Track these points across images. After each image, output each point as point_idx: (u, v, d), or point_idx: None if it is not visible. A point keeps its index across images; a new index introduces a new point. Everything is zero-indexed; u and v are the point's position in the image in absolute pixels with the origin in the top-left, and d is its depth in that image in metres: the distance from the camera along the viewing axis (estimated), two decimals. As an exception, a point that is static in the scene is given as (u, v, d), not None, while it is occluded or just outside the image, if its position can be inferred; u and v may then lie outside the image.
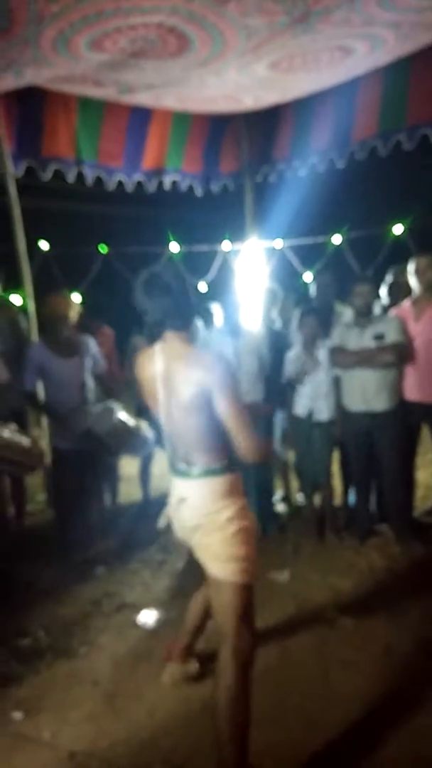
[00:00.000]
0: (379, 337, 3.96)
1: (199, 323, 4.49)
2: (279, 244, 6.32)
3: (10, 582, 3.80)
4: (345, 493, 4.60)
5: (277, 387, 4.36)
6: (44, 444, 4.14)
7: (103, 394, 4.27)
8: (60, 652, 3.12)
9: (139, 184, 5.54)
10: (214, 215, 8.31)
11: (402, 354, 3.96)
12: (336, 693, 2.69)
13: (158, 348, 2.24)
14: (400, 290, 4.38)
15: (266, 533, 4.24)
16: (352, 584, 3.64)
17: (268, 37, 3.61)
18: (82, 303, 4.58)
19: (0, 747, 2.49)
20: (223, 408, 2.07)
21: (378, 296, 4.32)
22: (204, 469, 2.18)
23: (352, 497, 4.47)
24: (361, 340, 4.01)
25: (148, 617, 3.42)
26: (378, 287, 4.34)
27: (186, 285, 2.22)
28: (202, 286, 6.53)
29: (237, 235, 6.35)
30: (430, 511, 4.56)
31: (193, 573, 2.69)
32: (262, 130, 5.85)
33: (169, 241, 6.32)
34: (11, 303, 4.91)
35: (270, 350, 4.38)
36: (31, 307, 4.88)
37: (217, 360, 2.12)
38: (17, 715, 2.67)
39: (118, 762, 2.39)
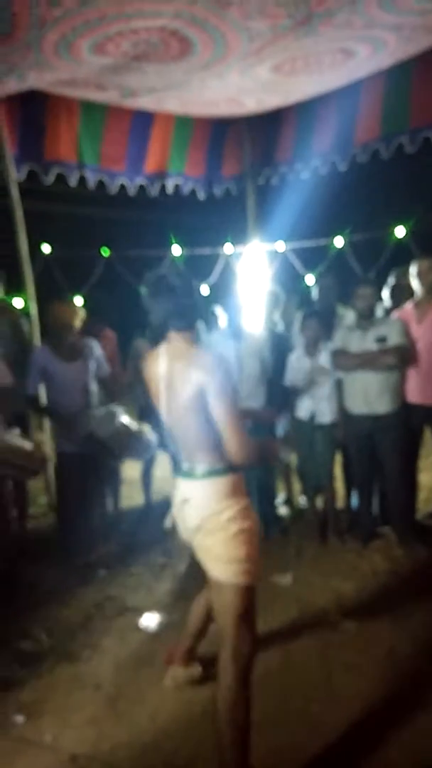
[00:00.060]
0: (381, 339, 3.96)
1: (201, 325, 4.49)
2: (281, 246, 6.32)
3: (13, 585, 3.80)
4: (347, 495, 4.60)
5: (279, 390, 4.36)
6: (47, 448, 4.14)
7: (106, 398, 4.27)
8: (62, 656, 3.12)
9: (141, 187, 5.55)
10: (216, 218, 8.33)
11: (404, 356, 3.96)
12: (339, 696, 2.68)
13: (162, 348, 2.26)
14: (402, 293, 4.38)
15: (268, 536, 4.24)
16: (355, 587, 3.63)
17: (270, 39, 3.62)
18: (84, 306, 4.59)
19: (2, 750, 2.49)
20: (216, 409, 2.08)
21: (380, 299, 4.32)
22: (207, 470, 2.18)
23: (354, 500, 4.46)
24: (364, 342, 4.01)
25: (150, 620, 3.41)
26: (380, 290, 4.33)
27: (191, 286, 2.25)
28: (205, 289, 6.54)
29: (239, 238, 6.36)
30: (433, 513, 4.55)
31: (196, 576, 2.68)
32: (264, 133, 5.86)
33: (172, 244, 6.33)
34: (13, 306, 4.91)
35: (272, 353, 4.38)
36: (33, 310, 4.89)
37: (216, 361, 2.12)
38: (19, 718, 2.66)
39: (119, 765, 2.38)
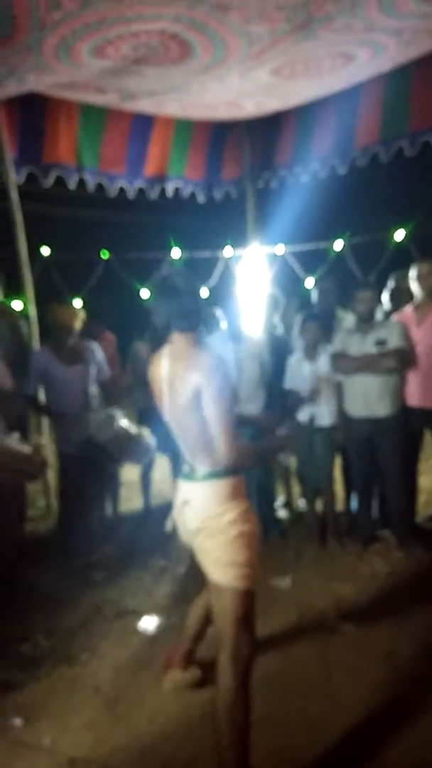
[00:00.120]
0: (381, 342, 3.96)
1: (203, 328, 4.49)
2: (281, 250, 6.32)
3: (12, 587, 3.79)
4: (347, 498, 4.59)
5: (278, 393, 4.36)
6: (46, 451, 4.13)
7: (105, 402, 4.26)
8: (61, 658, 3.11)
9: (141, 190, 5.56)
10: (215, 221, 8.33)
11: (404, 359, 3.96)
12: (338, 698, 2.67)
13: (165, 350, 2.27)
14: (402, 296, 4.38)
15: (268, 539, 4.23)
16: (355, 590, 3.63)
17: (270, 43, 3.63)
18: (84, 309, 4.59)
19: (0, 753, 2.48)
20: (209, 410, 2.08)
21: (380, 302, 4.32)
22: (207, 472, 2.18)
23: (354, 503, 4.46)
24: (363, 345, 4.01)
25: (149, 623, 3.41)
26: (380, 293, 4.34)
27: (196, 288, 2.27)
28: (204, 292, 6.54)
29: (239, 241, 6.36)
30: (433, 517, 4.54)
31: (195, 579, 2.68)
32: (263, 136, 5.87)
33: (171, 247, 6.33)
34: (12, 309, 4.91)
35: (271, 356, 4.38)
36: (32, 312, 4.89)
37: (214, 363, 2.13)
38: (17, 721, 2.65)
39: (118, 769, 2.38)
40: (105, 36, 3.34)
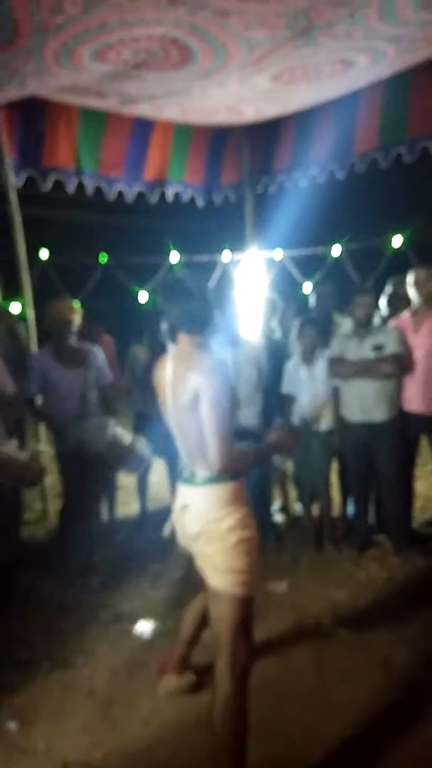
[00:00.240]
0: (378, 347, 3.97)
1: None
2: (279, 254, 6.34)
3: (8, 591, 3.78)
4: (343, 503, 4.60)
5: (275, 397, 4.37)
6: (44, 458, 4.13)
7: (104, 406, 4.23)
8: (56, 662, 3.10)
9: (140, 194, 5.57)
10: (214, 225, 8.35)
11: (401, 365, 3.97)
12: (334, 704, 2.67)
13: (171, 352, 2.27)
14: (399, 301, 4.40)
15: (264, 543, 4.22)
16: (351, 595, 3.63)
17: (270, 49, 3.64)
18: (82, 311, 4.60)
19: (-6, 757, 2.47)
20: (206, 413, 2.08)
21: (377, 307, 4.33)
22: (207, 476, 2.17)
23: (350, 508, 4.46)
24: (361, 350, 4.02)
25: (144, 628, 3.40)
26: (377, 298, 4.35)
27: (207, 292, 2.26)
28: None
29: (237, 245, 6.38)
30: (430, 522, 4.55)
31: (191, 584, 2.68)
32: (263, 141, 5.88)
33: (170, 250, 6.34)
34: (10, 311, 4.91)
35: (269, 360, 4.39)
36: (31, 315, 4.89)
37: (214, 365, 2.13)
38: (12, 725, 2.64)
39: (113, 773, 2.37)
40: (106, 40, 3.35)
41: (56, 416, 4.08)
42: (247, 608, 2.16)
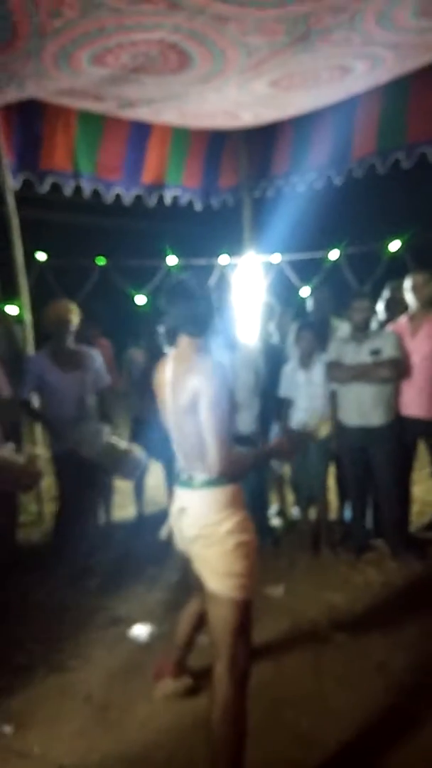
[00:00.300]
0: (375, 352, 3.98)
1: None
2: (277, 258, 6.35)
3: (3, 593, 3.77)
4: (340, 507, 4.60)
5: (273, 401, 4.37)
6: (41, 462, 4.11)
7: (101, 411, 4.22)
8: (52, 666, 3.09)
9: (137, 197, 5.57)
10: (209, 229, 8.36)
11: (398, 369, 3.98)
12: (330, 708, 2.67)
13: (171, 354, 2.28)
14: (396, 306, 4.40)
15: (261, 547, 4.22)
16: (347, 599, 3.62)
17: (268, 55, 3.66)
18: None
19: (-11, 761, 2.47)
20: (205, 416, 2.08)
21: (375, 312, 4.34)
22: (205, 479, 2.17)
23: (347, 512, 4.46)
24: (358, 354, 4.02)
25: (141, 631, 3.39)
26: (375, 303, 4.36)
27: (209, 295, 2.26)
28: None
29: (235, 249, 6.39)
30: (427, 526, 4.55)
31: (188, 587, 2.68)
32: (260, 146, 5.90)
33: (167, 254, 6.35)
34: (7, 313, 4.91)
35: (266, 364, 4.39)
36: (28, 317, 4.89)
37: (213, 368, 2.13)
38: (8, 728, 2.63)
39: (109, 777, 2.36)
40: (104, 44, 3.37)
41: (53, 419, 4.07)
42: (245, 612, 2.16)
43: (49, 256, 5.93)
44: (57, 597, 3.76)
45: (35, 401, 4.26)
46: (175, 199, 5.82)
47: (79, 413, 4.05)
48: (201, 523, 2.15)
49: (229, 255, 6.38)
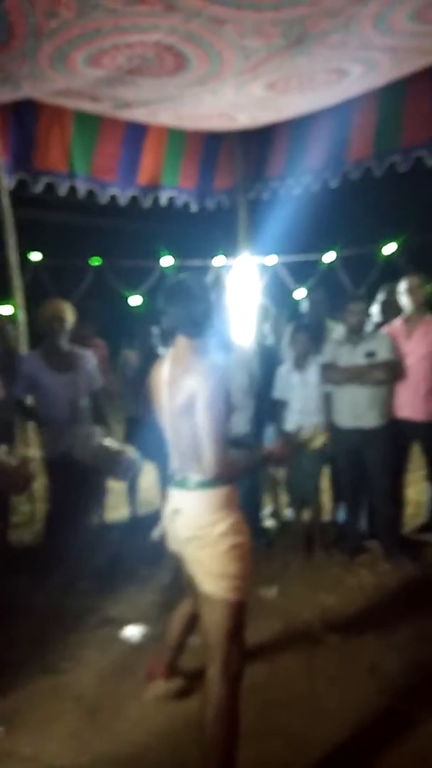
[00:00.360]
0: (370, 354, 3.99)
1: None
2: (272, 260, 6.36)
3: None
4: (334, 509, 4.60)
5: (267, 403, 4.37)
6: (34, 464, 4.10)
7: (94, 412, 4.21)
8: (44, 667, 3.08)
9: (133, 197, 5.57)
10: (207, 230, 8.37)
11: (393, 371, 3.99)
12: (323, 709, 2.67)
13: (169, 354, 2.27)
14: (391, 308, 4.42)
15: (254, 548, 4.22)
16: (341, 601, 3.63)
17: (265, 57, 3.66)
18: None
19: (-20, 763, 2.46)
20: (201, 418, 2.07)
21: (369, 314, 4.35)
22: (200, 481, 2.16)
23: (341, 513, 4.46)
24: (353, 357, 4.03)
25: (133, 632, 3.39)
26: (370, 305, 4.37)
27: (208, 296, 2.26)
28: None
29: (230, 250, 6.40)
30: (420, 528, 4.56)
31: (180, 588, 2.67)
32: (256, 148, 5.91)
33: (162, 255, 6.35)
34: (0, 314, 4.89)
35: (261, 366, 4.39)
36: (22, 317, 4.87)
37: (211, 369, 2.13)
38: (-1, 730, 2.63)
39: (100, 779, 2.36)
40: (100, 46, 3.36)
41: (45, 420, 4.05)
42: (239, 613, 2.16)
43: (43, 256, 5.93)
44: (49, 598, 3.74)
45: (28, 401, 4.24)
46: (171, 200, 5.82)
47: (72, 415, 4.02)
48: (195, 524, 2.15)
49: (225, 256, 6.39)
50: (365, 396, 4.00)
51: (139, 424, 4.37)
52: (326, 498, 4.64)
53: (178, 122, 5.17)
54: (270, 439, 4.63)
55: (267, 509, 4.94)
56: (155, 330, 4.42)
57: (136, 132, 5.26)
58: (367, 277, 5.96)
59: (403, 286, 4.11)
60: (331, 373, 4.09)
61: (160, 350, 4.35)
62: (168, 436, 2.27)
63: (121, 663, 3.11)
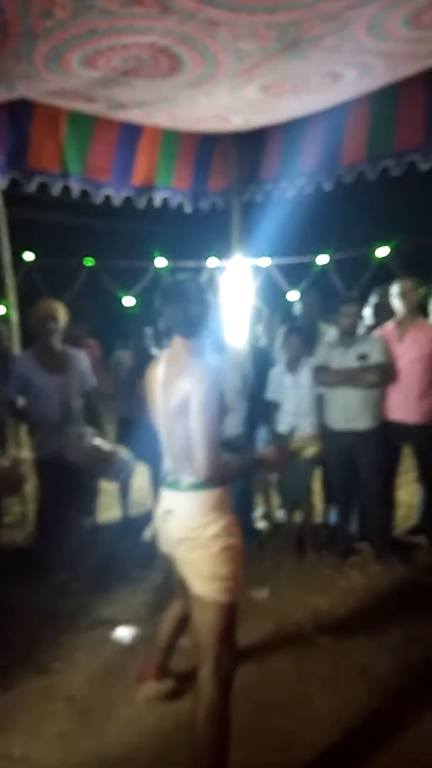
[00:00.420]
0: (362, 357, 4.01)
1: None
2: (265, 262, 6.37)
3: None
4: (326, 510, 4.61)
5: (260, 404, 4.38)
6: (26, 466, 4.10)
7: (87, 413, 4.20)
8: (34, 668, 3.07)
9: (127, 198, 5.56)
10: (201, 231, 8.38)
11: (385, 374, 4.01)
12: (314, 711, 2.68)
13: (164, 355, 2.27)
14: (384, 311, 4.44)
15: (245, 549, 4.23)
16: (332, 602, 3.64)
17: (259, 60, 3.67)
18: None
19: (-30, 764, 2.45)
20: (194, 419, 2.08)
21: (362, 317, 4.37)
22: (192, 482, 2.17)
23: (333, 515, 4.48)
24: (345, 359, 4.05)
25: (124, 633, 3.39)
26: (362, 308, 4.39)
27: (205, 297, 2.25)
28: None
29: (224, 251, 6.40)
30: (411, 530, 4.58)
31: (171, 589, 2.67)
32: (250, 150, 5.91)
33: (156, 255, 6.35)
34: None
35: (254, 367, 4.41)
36: (15, 317, 4.86)
37: (205, 371, 2.13)
38: (-11, 731, 2.62)
39: (91, 780, 2.35)
40: (96, 47, 3.36)
41: (37, 421, 4.04)
42: (230, 615, 2.16)
43: (36, 256, 5.91)
44: (40, 598, 3.74)
45: (21, 402, 4.23)
46: (165, 201, 5.82)
47: (64, 416, 4.01)
48: (187, 525, 2.15)
49: (218, 258, 6.39)
50: (357, 398, 4.01)
51: (132, 424, 4.37)
52: (318, 500, 4.65)
53: (173, 123, 5.17)
54: (262, 440, 4.65)
55: (259, 511, 4.95)
56: (149, 331, 4.43)
57: (131, 133, 5.26)
58: (360, 279, 5.98)
59: (395, 289, 4.14)
60: (324, 376, 4.10)
61: (154, 351, 4.36)
62: (162, 437, 2.27)
63: (112, 664, 3.11)
